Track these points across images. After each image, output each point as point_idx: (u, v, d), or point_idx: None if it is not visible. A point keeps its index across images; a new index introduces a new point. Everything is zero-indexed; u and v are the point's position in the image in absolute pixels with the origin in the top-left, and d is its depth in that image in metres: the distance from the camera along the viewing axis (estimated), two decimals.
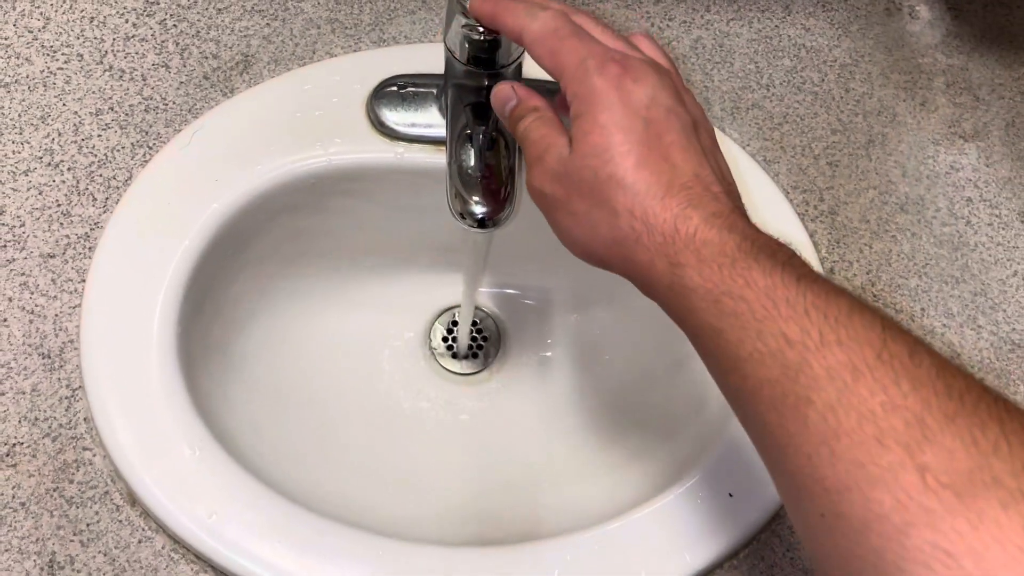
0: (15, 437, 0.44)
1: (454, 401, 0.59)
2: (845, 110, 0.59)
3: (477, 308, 0.62)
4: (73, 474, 0.44)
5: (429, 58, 0.53)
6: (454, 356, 0.60)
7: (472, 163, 0.43)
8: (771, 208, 0.54)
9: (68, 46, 0.54)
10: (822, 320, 0.29)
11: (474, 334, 0.61)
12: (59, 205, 0.49)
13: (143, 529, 0.43)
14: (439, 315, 0.61)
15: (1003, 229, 0.56)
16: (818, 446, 0.27)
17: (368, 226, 0.57)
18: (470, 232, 0.42)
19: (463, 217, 0.42)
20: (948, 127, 0.59)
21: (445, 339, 0.61)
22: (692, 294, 0.32)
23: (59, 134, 0.51)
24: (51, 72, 0.53)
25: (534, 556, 0.44)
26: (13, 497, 0.43)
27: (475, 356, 0.61)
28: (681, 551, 0.44)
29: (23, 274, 0.47)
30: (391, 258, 0.59)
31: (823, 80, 0.60)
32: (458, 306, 0.61)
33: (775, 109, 0.58)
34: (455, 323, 0.61)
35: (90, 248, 0.48)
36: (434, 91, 0.52)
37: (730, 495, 0.46)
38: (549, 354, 0.61)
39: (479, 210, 0.42)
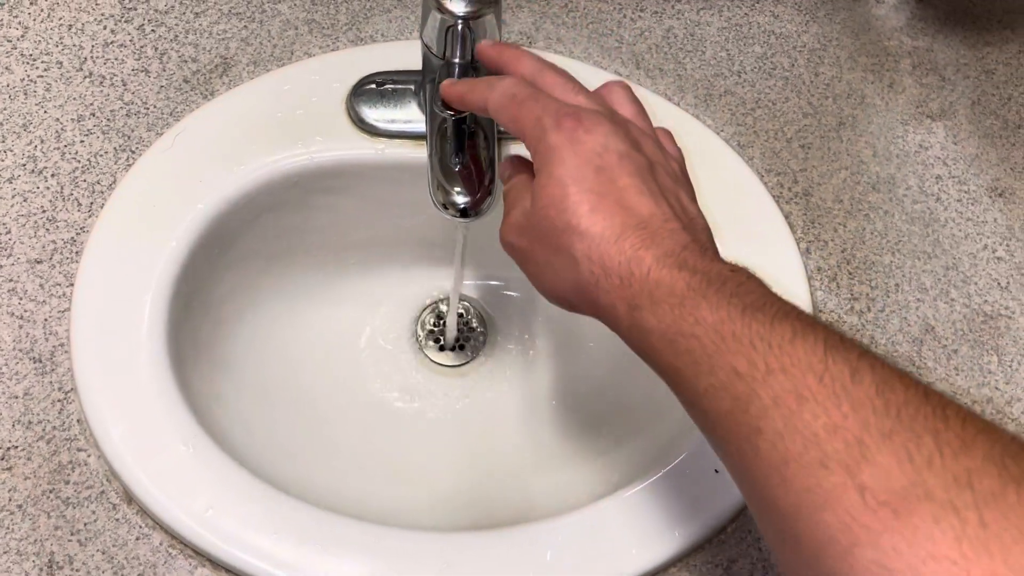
0: (9, 441, 0.44)
1: (442, 392, 0.60)
2: (815, 94, 0.60)
3: (462, 300, 0.63)
4: (68, 475, 0.44)
5: (406, 55, 0.53)
6: (441, 348, 0.61)
7: (452, 155, 0.44)
8: (747, 192, 0.55)
9: (47, 54, 0.54)
10: (767, 349, 0.30)
11: (460, 326, 0.62)
12: (44, 211, 0.50)
13: (140, 526, 0.44)
14: (425, 308, 0.62)
15: (972, 204, 0.58)
16: (769, 474, 0.28)
17: (352, 222, 0.58)
18: (453, 222, 0.43)
19: (445, 208, 0.43)
20: (916, 107, 0.61)
21: (431, 332, 0.62)
22: (650, 335, 0.33)
23: (41, 141, 0.51)
24: (31, 80, 0.53)
25: (527, 538, 0.45)
26: (10, 500, 0.43)
27: (461, 348, 0.62)
28: (670, 528, 0.46)
29: (11, 280, 0.48)
30: (375, 253, 0.60)
31: (793, 65, 0.61)
32: (444, 299, 0.62)
33: (747, 95, 0.60)
34: (440, 316, 0.62)
35: (77, 252, 0.49)
36: (412, 87, 0.53)
37: (716, 471, 0.47)
38: (534, 343, 0.62)
39: (461, 200, 0.43)
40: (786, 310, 0.32)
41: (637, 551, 0.45)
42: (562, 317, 0.61)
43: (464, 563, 0.44)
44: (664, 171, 0.38)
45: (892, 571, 0.25)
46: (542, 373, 0.60)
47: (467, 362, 0.61)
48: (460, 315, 0.62)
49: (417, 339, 0.61)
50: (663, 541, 0.45)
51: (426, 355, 0.61)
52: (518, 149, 0.52)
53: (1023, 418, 0.51)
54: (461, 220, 0.43)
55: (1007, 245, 0.56)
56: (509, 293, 0.63)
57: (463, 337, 0.62)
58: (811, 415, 0.28)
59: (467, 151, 0.44)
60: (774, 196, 0.56)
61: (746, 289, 0.33)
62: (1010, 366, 0.53)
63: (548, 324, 0.62)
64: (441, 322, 0.62)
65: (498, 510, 0.53)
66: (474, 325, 0.62)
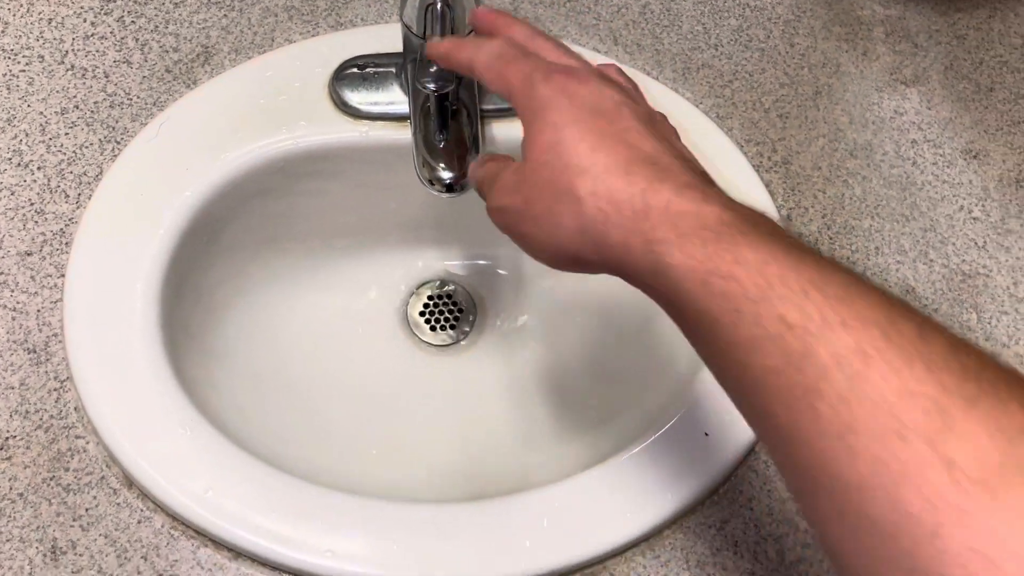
0: (7, 431, 0.45)
1: (434, 372, 0.60)
2: (791, 64, 0.61)
3: (451, 280, 0.63)
4: (68, 462, 0.45)
5: (387, 39, 0.54)
6: (432, 329, 0.62)
7: (436, 132, 0.44)
8: (727, 162, 0.56)
9: (28, 48, 0.54)
10: (821, 299, 0.26)
11: (450, 306, 0.63)
12: (32, 204, 0.50)
13: (141, 510, 0.44)
14: (415, 289, 0.63)
15: (947, 167, 0.59)
16: (830, 442, 0.25)
17: (339, 206, 0.58)
18: (440, 198, 0.44)
19: (431, 184, 0.44)
20: (890, 74, 0.62)
21: (422, 313, 0.62)
22: (674, 272, 0.29)
23: (26, 135, 0.52)
24: (13, 75, 0.53)
25: (522, 507, 0.46)
26: (11, 489, 0.44)
27: (452, 327, 0.62)
28: (663, 491, 0.46)
29: (2, 273, 0.48)
30: (363, 237, 0.61)
31: (768, 37, 0.62)
32: (434, 280, 0.63)
33: (724, 67, 0.60)
34: (431, 297, 0.63)
35: (67, 243, 0.49)
36: (393, 69, 0.53)
37: (706, 434, 0.48)
38: (524, 320, 0.63)
39: (446, 175, 0.43)
40: (829, 257, 0.28)
41: (631, 515, 0.46)
42: (551, 294, 0.63)
43: (460, 532, 0.45)
44: (665, 125, 0.36)
45: (991, 559, 0.22)
46: (532, 349, 0.61)
47: (458, 341, 0.62)
48: (449, 295, 0.63)
49: (408, 320, 0.62)
50: (656, 504, 0.46)
51: (417, 336, 0.61)
52: (502, 128, 0.53)
53: None
54: (447, 195, 0.43)
55: (983, 205, 0.57)
56: (499, 271, 0.64)
57: (453, 317, 0.62)
58: (880, 376, 0.25)
59: (451, 127, 0.45)
60: (755, 166, 0.57)
61: (783, 232, 0.29)
62: (989, 323, 0.54)
63: (537, 301, 0.63)
64: (432, 302, 0.62)
65: (494, 483, 0.54)
66: (464, 305, 0.63)
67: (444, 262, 0.63)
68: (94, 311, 0.47)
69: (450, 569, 0.44)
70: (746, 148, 0.58)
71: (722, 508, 0.48)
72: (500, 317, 0.63)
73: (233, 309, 0.56)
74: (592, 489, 0.47)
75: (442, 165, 0.44)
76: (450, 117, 0.45)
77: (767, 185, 0.56)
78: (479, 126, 0.46)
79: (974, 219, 0.57)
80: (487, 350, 0.62)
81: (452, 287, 0.63)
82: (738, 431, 0.48)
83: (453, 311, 0.63)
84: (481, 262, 0.64)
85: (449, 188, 0.43)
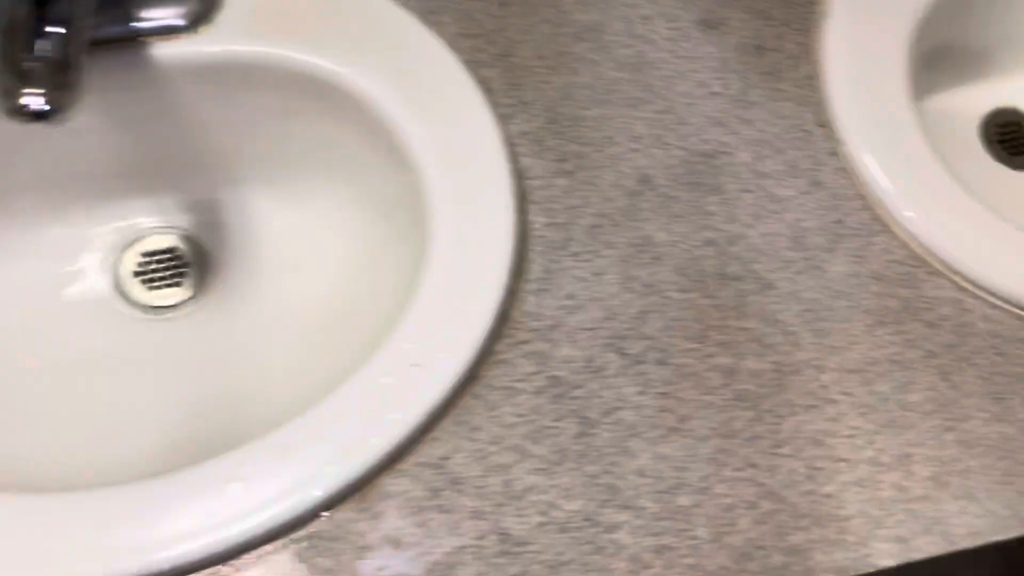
0: None
1: (154, 336, 0.54)
2: None
3: (172, 230, 0.56)
4: None
5: None
6: (150, 289, 0.55)
7: (22, 49, 0.37)
8: (434, 64, 0.50)
9: None
10: None
11: (172, 260, 0.56)
12: None
13: None
14: (126, 246, 0.55)
15: (684, 41, 0.54)
16: None
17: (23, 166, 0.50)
18: (29, 129, 0.36)
19: (16, 114, 0.36)
20: None
21: (137, 272, 0.55)
22: None
23: None
24: None
25: (206, 475, 0.40)
26: None
27: (178, 284, 0.55)
28: (366, 436, 0.41)
29: None
30: (47, 195, 0.53)
31: None
32: (144, 237, 0.55)
33: None
34: (145, 253, 0.55)
35: None
36: None
37: (415, 366, 0.43)
38: (253, 269, 0.56)
39: (32, 102, 0.36)
40: None
41: (332, 467, 0.41)
42: (279, 240, 0.56)
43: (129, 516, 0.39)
44: None
45: None
46: (262, 300, 0.55)
47: (186, 300, 0.55)
48: (171, 249, 0.56)
49: (119, 283, 0.55)
50: (361, 451, 0.41)
51: (134, 299, 0.54)
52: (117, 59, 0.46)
53: (745, 255, 0.48)
54: (38, 124, 0.36)
55: (722, 79, 0.53)
56: (223, 216, 0.57)
57: (176, 273, 0.55)
58: None
59: (43, 45, 0.37)
60: (471, 62, 0.51)
61: None
62: (731, 203, 0.50)
63: (267, 247, 0.56)
64: (146, 260, 0.55)
65: (217, 442, 0.48)
66: (187, 258, 0.56)
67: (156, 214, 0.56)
68: None
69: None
70: (460, 44, 0.51)
71: (445, 444, 0.43)
72: (227, 268, 0.56)
73: None
74: (296, 442, 0.41)
75: (28, 90, 0.36)
76: (39, 35, 0.37)
77: (486, 83, 0.50)
78: (83, 49, 0.38)
79: (713, 94, 0.53)
80: (217, 305, 0.55)
81: (173, 239, 0.56)
82: (452, 359, 0.43)
83: (176, 265, 0.56)
84: (203, 203, 0.57)
85: (38, 116, 0.36)
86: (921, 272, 0.49)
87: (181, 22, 0.47)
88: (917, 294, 0.48)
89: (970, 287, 0.48)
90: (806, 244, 0.49)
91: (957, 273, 0.49)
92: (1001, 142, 0.64)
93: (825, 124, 0.52)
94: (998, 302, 0.48)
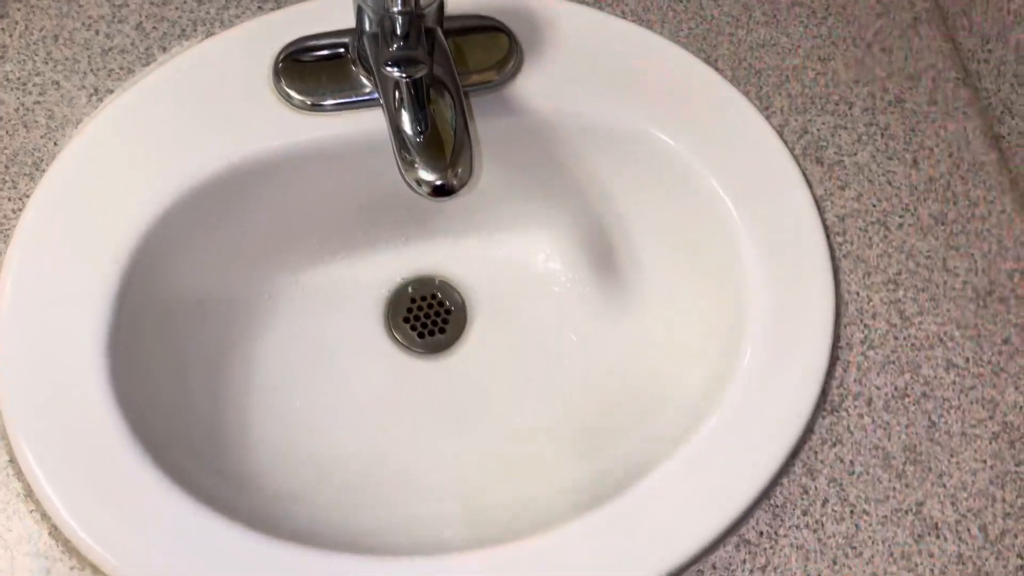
0: None
1: (429, 383, 0.54)
2: None
3: (432, 278, 0.57)
4: None
5: (329, 17, 0.47)
6: (420, 336, 0.55)
7: (412, 123, 0.37)
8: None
9: None
10: None
11: (436, 307, 0.56)
12: None
13: None
14: (393, 295, 0.56)
15: None
16: None
17: (301, 214, 0.51)
18: (433, 202, 0.37)
19: (419, 185, 0.37)
20: None
21: (407, 319, 0.56)
22: None
23: None
24: None
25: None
26: None
27: (442, 332, 0.56)
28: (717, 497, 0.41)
29: None
30: (333, 244, 0.54)
31: None
32: (415, 280, 0.56)
33: None
34: (413, 300, 0.56)
35: None
36: (341, 50, 0.46)
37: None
38: (522, 317, 0.56)
39: (428, 176, 0.36)
40: None
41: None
42: (550, 287, 0.56)
43: None
44: None
45: None
46: (530, 355, 0.55)
47: (450, 346, 0.55)
48: (434, 296, 0.56)
49: (392, 330, 0.55)
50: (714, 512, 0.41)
51: (404, 344, 0.55)
52: (491, 101, 0.46)
53: None
54: (438, 200, 0.37)
55: None
56: (489, 257, 0.57)
57: (441, 320, 0.56)
58: None
59: (428, 115, 0.38)
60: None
61: None
62: None
63: (537, 296, 0.56)
64: (415, 305, 0.56)
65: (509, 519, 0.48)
66: (451, 305, 0.56)
67: (427, 257, 0.56)
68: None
69: None
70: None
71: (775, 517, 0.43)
72: (496, 315, 0.56)
73: (194, 348, 0.49)
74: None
75: (425, 165, 0.37)
76: (427, 103, 0.38)
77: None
78: (465, 103, 0.39)
79: None
80: (482, 355, 0.55)
81: (436, 286, 0.56)
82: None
83: (440, 313, 0.56)
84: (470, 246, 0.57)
85: (437, 191, 0.37)
86: None
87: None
88: None
89: None
90: None
91: None
92: None
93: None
94: None
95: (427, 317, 0.56)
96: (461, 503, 0.46)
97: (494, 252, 0.57)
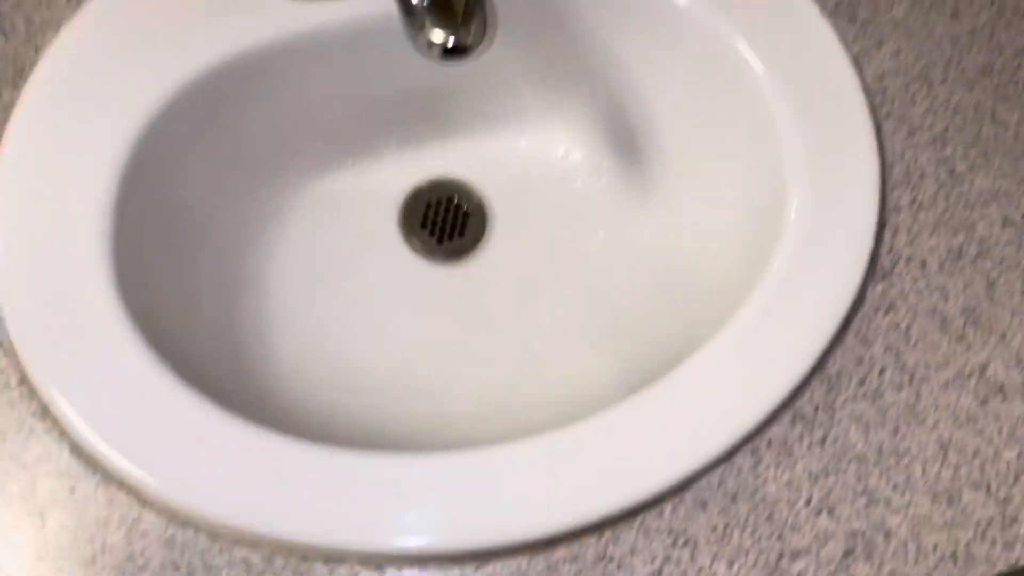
0: None
1: (453, 288, 0.52)
2: None
3: (452, 181, 0.54)
4: None
5: None
6: (439, 241, 0.52)
7: None
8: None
9: None
10: None
11: (453, 210, 0.53)
12: None
13: None
14: (408, 200, 0.53)
15: None
16: None
17: (301, 116, 0.48)
18: (441, 65, 0.34)
19: (429, 48, 0.34)
20: None
21: (424, 225, 0.53)
22: None
23: None
24: None
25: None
26: None
27: (461, 235, 0.53)
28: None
29: None
30: (340, 149, 0.51)
31: None
32: (429, 184, 0.53)
33: None
34: (429, 204, 0.53)
35: None
36: None
37: None
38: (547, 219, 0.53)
39: (437, 38, 0.33)
40: None
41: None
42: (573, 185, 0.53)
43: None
44: None
45: None
46: (557, 253, 0.52)
47: (471, 251, 0.53)
48: (450, 198, 0.53)
49: (408, 234, 0.52)
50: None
51: (423, 251, 0.52)
52: None
53: None
54: (446, 62, 0.34)
55: None
56: (505, 155, 0.54)
57: (460, 223, 0.53)
58: None
59: None
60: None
61: None
62: None
63: (559, 192, 0.53)
64: (432, 207, 0.53)
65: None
66: (469, 208, 0.53)
67: (441, 159, 0.53)
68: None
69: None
70: None
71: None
72: (517, 217, 0.53)
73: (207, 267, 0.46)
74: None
75: (437, 26, 0.34)
76: None
77: None
78: None
79: None
80: (504, 259, 0.53)
81: (455, 187, 0.54)
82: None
83: (459, 216, 0.53)
84: (485, 150, 0.54)
85: (447, 52, 0.33)
86: None
87: None
88: None
89: None
90: None
91: None
92: None
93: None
94: None
95: (444, 221, 0.53)
96: (499, 399, 0.44)
97: (510, 148, 0.54)
